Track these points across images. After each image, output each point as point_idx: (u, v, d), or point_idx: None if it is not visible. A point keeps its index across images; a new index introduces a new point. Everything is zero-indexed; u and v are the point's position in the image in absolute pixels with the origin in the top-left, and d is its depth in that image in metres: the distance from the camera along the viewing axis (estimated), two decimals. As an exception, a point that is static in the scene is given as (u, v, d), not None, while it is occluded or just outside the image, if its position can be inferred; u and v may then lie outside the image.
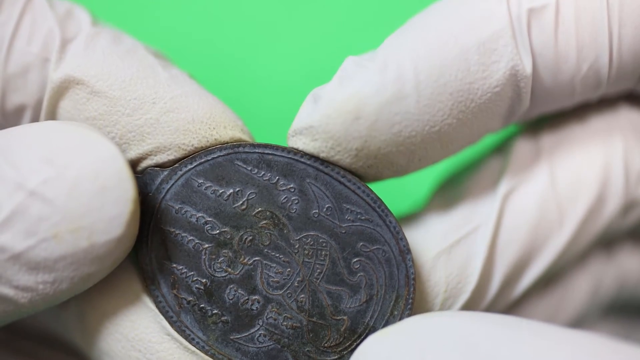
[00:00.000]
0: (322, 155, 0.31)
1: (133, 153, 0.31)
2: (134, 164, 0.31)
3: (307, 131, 0.31)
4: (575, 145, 0.33)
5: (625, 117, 0.34)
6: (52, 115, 0.32)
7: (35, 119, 0.32)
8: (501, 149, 0.35)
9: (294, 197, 0.31)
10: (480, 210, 0.32)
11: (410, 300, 0.31)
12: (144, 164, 0.31)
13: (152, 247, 0.31)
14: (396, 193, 0.34)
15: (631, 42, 0.31)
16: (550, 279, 0.34)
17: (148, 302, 0.31)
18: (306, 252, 0.31)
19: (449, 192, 0.34)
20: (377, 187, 0.32)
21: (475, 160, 0.35)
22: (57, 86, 0.31)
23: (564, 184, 0.32)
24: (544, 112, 0.33)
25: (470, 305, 0.32)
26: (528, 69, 0.30)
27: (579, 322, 0.35)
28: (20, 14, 0.31)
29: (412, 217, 0.34)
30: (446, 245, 0.32)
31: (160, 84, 0.31)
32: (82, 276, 0.29)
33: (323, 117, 0.30)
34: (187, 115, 0.31)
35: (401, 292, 0.31)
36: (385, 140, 0.30)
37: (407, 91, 0.30)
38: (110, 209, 0.29)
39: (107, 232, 0.29)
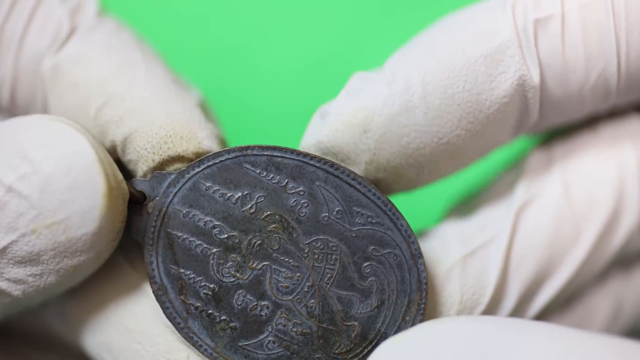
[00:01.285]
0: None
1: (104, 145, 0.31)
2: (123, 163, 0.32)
3: (316, 147, 0.31)
4: (587, 155, 0.33)
5: (636, 125, 0.33)
6: (46, 106, 0.32)
7: (44, 111, 0.33)
8: (516, 162, 0.34)
9: (303, 201, 0.30)
10: (495, 222, 0.32)
11: (423, 306, 0.30)
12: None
13: (159, 252, 0.31)
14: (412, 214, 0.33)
15: (639, 50, 0.30)
16: (571, 298, 0.33)
17: (149, 293, 0.31)
18: (316, 256, 0.30)
19: (464, 206, 0.34)
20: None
21: (491, 175, 0.35)
22: (46, 74, 0.32)
23: (578, 198, 0.32)
24: (555, 123, 0.32)
25: None
26: (536, 79, 0.30)
27: None
28: (34, 6, 0.32)
29: (427, 231, 0.33)
30: (460, 255, 0.31)
31: (134, 82, 0.31)
32: (68, 269, 0.30)
33: (331, 131, 0.30)
34: (148, 118, 0.31)
35: (413, 297, 0.30)
36: (394, 153, 0.30)
37: (415, 103, 0.30)
38: (83, 203, 0.29)
39: (82, 226, 0.29)
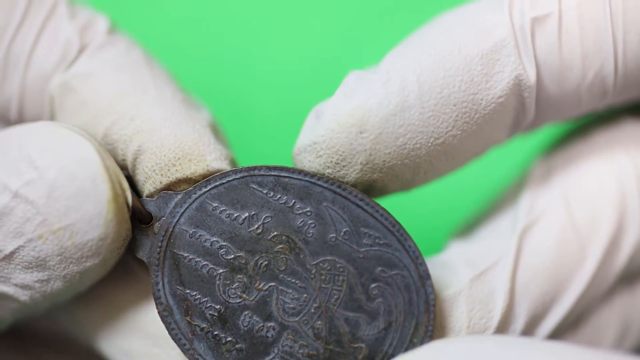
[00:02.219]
0: (327, 171, 0.30)
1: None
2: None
3: (311, 148, 0.30)
4: (584, 168, 0.32)
5: (629, 129, 0.33)
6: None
7: None
8: (518, 176, 0.34)
9: (310, 221, 0.30)
10: (500, 244, 0.32)
11: (430, 327, 0.30)
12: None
13: (165, 272, 0.30)
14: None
15: (636, 49, 0.30)
16: (579, 318, 0.33)
17: None
18: (323, 277, 0.30)
19: (468, 230, 0.34)
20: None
21: (493, 191, 0.35)
22: (54, 92, 0.32)
23: (581, 218, 0.32)
24: (551, 121, 0.32)
25: None
26: (532, 78, 0.30)
27: None
28: (42, 24, 0.32)
29: (433, 256, 0.33)
30: (467, 279, 0.31)
31: (144, 103, 0.31)
32: (74, 274, 0.30)
33: (327, 131, 0.30)
34: (157, 139, 0.31)
35: (421, 319, 0.30)
36: (390, 154, 0.30)
37: (411, 102, 0.30)
38: (88, 209, 0.29)
39: (87, 233, 0.29)
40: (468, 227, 0.34)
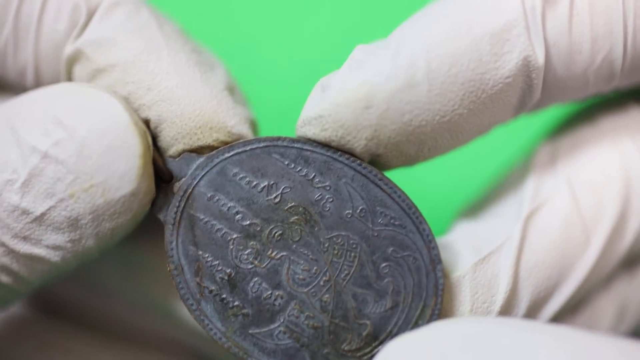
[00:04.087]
0: (332, 144, 0.30)
1: None
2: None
3: (316, 121, 0.30)
4: (590, 154, 0.33)
5: (635, 115, 0.33)
6: None
7: None
8: (523, 158, 0.34)
9: (328, 196, 0.31)
10: (504, 227, 0.32)
11: (437, 312, 0.30)
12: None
13: (180, 232, 0.31)
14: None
15: None
16: (579, 303, 0.33)
17: None
18: (335, 251, 0.30)
19: (474, 207, 0.34)
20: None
21: (499, 173, 0.35)
22: (69, 61, 0.32)
23: (586, 203, 0.32)
24: (556, 103, 0.33)
25: None
26: (540, 59, 0.30)
27: None
28: None
29: (437, 239, 0.33)
30: (471, 264, 0.31)
31: (159, 71, 0.31)
32: (106, 232, 0.30)
33: (333, 106, 0.30)
34: (177, 109, 0.31)
35: (428, 302, 0.30)
36: (396, 130, 0.30)
37: (419, 80, 0.30)
38: (119, 165, 0.30)
39: (120, 188, 0.30)
40: (473, 208, 0.34)
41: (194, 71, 0.32)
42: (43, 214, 0.30)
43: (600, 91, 0.32)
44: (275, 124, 0.40)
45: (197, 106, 0.31)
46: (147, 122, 0.32)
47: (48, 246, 0.30)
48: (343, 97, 0.30)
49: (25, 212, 0.30)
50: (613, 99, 0.34)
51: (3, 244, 0.30)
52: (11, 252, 0.30)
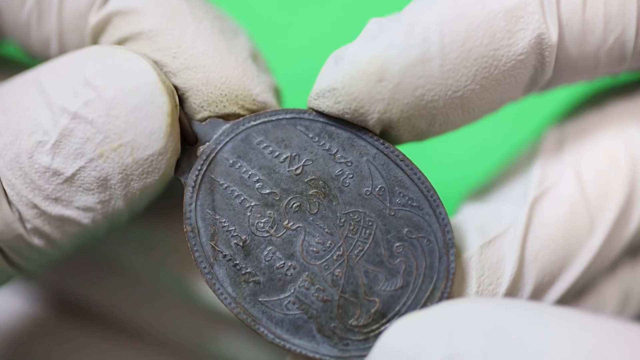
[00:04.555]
0: (346, 117, 0.31)
1: None
2: None
3: (329, 93, 0.30)
4: (597, 140, 0.33)
5: None
6: None
7: None
8: (531, 143, 0.35)
9: (349, 172, 0.31)
10: (511, 211, 0.32)
11: (446, 295, 0.30)
12: None
13: (199, 195, 0.31)
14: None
15: None
16: (583, 288, 0.34)
17: None
18: (351, 227, 0.31)
19: (480, 194, 0.34)
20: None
21: (507, 157, 0.35)
22: (94, 30, 0.32)
23: (592, 190, 0.32)
24: (566, 83, 0.33)
25: None
26: (554, 37, 0.30)
27: None
28: None
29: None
30: (477, 246, 0.31)
31: (185, 38, 0.31)
32: (135, 192, 0.31)
33: (346, 78, 0.30)
34: (203, 77, 0.31)
35: (439, 284, 0.31)
36: (408, 104, 0.30)
37: (432, 54, 0.30)
38: (148, 124, 0.30)
39: (148, 147, 0.30)
40: (480, 191, 0.34)
41: (219, 39, 0.32)
42: (73, 175, 0.30)
43: (610, 72, 0.32)
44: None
45: (222, 74, 0.31)
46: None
47: (79, 207, 0.30)
48: (356, 69, 0.30)
49: (56, 173, 0.30)
50: (622, 86, 0.35)
51: (35, 206, 0.30)
52: (43, 214, 0.30)
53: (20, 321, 0.38)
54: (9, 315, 0.39)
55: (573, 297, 0.33)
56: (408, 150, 0.32)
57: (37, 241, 0.31)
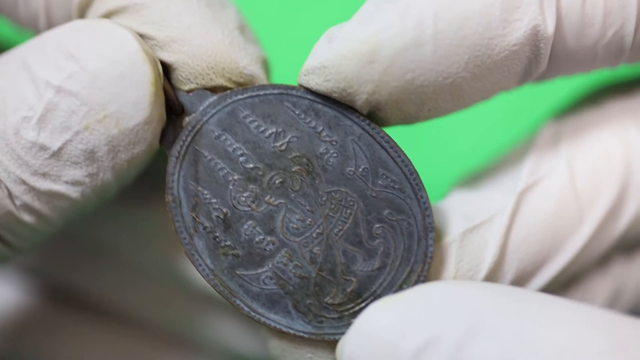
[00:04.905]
0: (334, 96, 0.31)
1: None
2: None
3: (320, 71, 0.30)
4: (593, 136, 0.33)
5: None
6: None
7: None
8: (528, 135, 0.35)
9: (333, 151, 0.31)
10: (498, 200, 0.32)
11: (422, 278, 0.31)
12: None
13: (183, 166, 0.31)
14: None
15: None
16: (571, 281, 0.34)
17: None
18: (332, 206, 0.31)
19: (470, 182, 0.34)
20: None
21: (502, 148, 0.35)
22: (81, 5, 0.32)
23: (583, 184, 0.32)
24: (563, 75, 0.33)
25: None
26: (550, 30, 0.30)
27: None
28: None
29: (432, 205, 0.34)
30: (460, 231, 0.32)
31: (171, 11, 0.31)
32: (122, 164, 0.31)
33: (337, 57, 0.30)
34: (189, 49, 0.31)
35: (415, 267, 0.31)
36: (397, 87, 0.30)
37: (425, 39, 0.30)
38: (132, 93, 0.30)
39: (133, 117, 0.30)
40: (471, 179, 0.34)
41: (205, 11, 0.32)
42: (60, 149, 0.30)
43: (608, 65, 0.32)
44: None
45: (209, 47, 0.31)
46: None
47: (67, 182, 0.30)
48: (348, 49, 0.30)
49: (43, 148, 0.30)
50: (621, 84, 0.35)
51: (24, 182, 0.30)
52: (32, 189, 0.30)
53: (11, 311, 0.39)
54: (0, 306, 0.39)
55: (558, 288, 0.34)
56: (407, 137, 0.32)
57: (27, 218, 0.31)
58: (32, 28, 0.34)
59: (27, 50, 0.31)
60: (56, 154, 0.30)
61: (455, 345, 0.27)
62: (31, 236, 0.32)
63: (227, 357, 0.40)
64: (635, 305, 0.35)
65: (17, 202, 0.30)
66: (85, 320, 0.39)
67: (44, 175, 0.30)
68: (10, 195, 0.30)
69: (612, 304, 0.35)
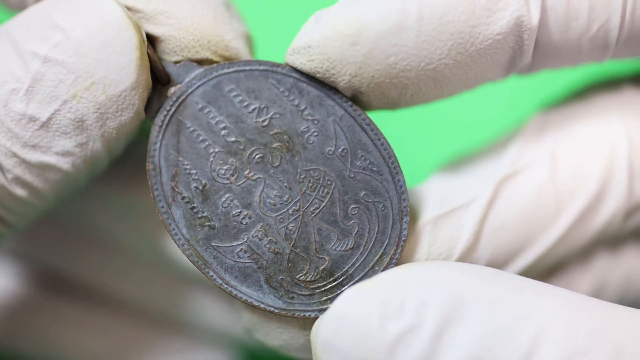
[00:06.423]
0: (317, 76, 0.31)
1: None
2: None
3: (304, 51, 0.31)
4: (578, 131, 0.33)
5: (628, 96, 0.34)
6: None
7: None
8: (515, 127, 0.35)
9: (314, 129, 0.31)
10: (477, 187, 0.32)
11: (394, 261, 0.31)
12: None
13: (165, 135, 0.31)
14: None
15: None
16: (552, 273, 0.34)
17: None
18: (310, 184, 0.31)
19: (451, 167, 0.34)
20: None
21: (486, 142, 0.36)
22: None
23: (563, 177, 0.32)
24: (549, 68, 0.33)
25: None
26: (534, 21, 0.30)
27: None
28: None
29: (411, 188, 0.34)
30: (433, 215, 0.32)
31: None
32: (111, 132, 0.31)
33: (322, 38, 0.30)
34: (175, 22, 0.32)
35: (388, 250, 0.31)
36: (379, 70, 0.30)
37: (409, 24, 0.30)
38: (118, 59, 0.30)
39: (120, 82, 0.30)
40: (453, 165, 0.35)
41: None
42: (49, 119, 0.30)
43: (594, 60, 0.33)
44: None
45: (194, 20, 0.32)
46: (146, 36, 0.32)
47: (57, 153, 0.31)
48: (333, 30, 0.30)
49: (32, 119, 0.30)
50: (609, 80, 0.35)
51: (14, 155, 0.30)
52: (23, 162, 0.31)
53: (4, 299, 0.39)
54: None
55: (537, 279, 0.34)
56: (394, 123, 0.32)
57: (19, 191, 0.31)
58: (21, 7, 0.34)
59: (13, 25, 0.31)
60: (45, 125, 0.30)
61: (434, 332, 0.27)
62: (25, 211, 0.32)
63: (217, 339, 0.40)
64: (619, 302, 0.35)
65: (9, 176, 0.31)
66: (78, 306, 0.40)
67: (34, 146, 0.30)
68: (2, 169, 0.31)
69: (595, 297, 0.35)
